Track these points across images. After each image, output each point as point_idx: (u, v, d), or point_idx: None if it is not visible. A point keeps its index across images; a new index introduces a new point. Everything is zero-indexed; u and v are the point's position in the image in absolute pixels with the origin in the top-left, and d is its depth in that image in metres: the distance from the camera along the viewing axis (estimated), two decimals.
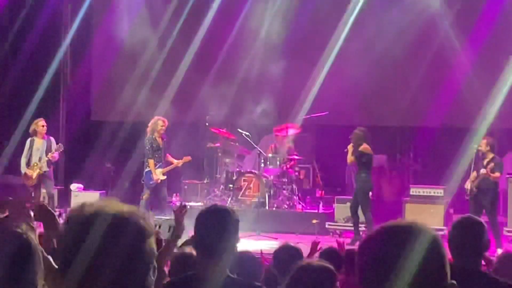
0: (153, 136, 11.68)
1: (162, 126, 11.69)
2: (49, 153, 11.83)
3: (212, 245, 2.92)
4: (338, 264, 5.31)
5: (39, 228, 5.17)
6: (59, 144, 12.09)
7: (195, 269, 3.21)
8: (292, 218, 12.48)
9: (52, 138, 12.16)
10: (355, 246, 7.97)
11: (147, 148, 11.69)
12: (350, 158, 11.23)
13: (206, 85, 15.06)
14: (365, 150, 11.08)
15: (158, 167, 11.68)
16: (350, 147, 11.20)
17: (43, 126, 11.98)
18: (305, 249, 5.17)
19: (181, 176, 13.44)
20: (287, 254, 4.43)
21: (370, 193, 11.44)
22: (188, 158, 12.15)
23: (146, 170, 11.74)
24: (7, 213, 4.78)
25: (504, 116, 12.88)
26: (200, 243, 2.97)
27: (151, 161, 11.64)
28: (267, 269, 5.23)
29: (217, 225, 2.94)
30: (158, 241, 6.30)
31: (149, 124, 11.76)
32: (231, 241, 2.96)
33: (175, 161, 12.00)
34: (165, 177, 11.73)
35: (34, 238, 2.53)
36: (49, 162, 11.90)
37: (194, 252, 4.78)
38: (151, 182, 11.67)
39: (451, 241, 3.81)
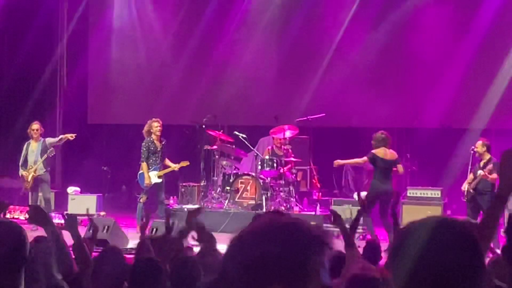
0: (151, 139, 11.66)
1: (157, 127, 11.65)
2: (44, 155, 11.83)
3: None
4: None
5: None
6: (51, 149, 12.03)
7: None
8: None
9: (47, 139, 12.14)
10: None
11: (142, 150, 11.68)
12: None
13: (203, 87, 15.06)
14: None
15: (154, 170, 11.66)
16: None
17: (37, 129, 11.99)
18: None
19: (178, 178, 13.41)
20: None
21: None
22: (186, 162, 12.12)
23: (140, 172, 11.74)
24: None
25: (501, 117, 12.89)
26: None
27: (144, 165, 11.62)
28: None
29: None
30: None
31: (145, 127, 11.74)
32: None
33: (172, 165, 11.99)
34: (160, 180, 11.69)
35: None
36: (46, 165, 11.89)
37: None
38: (144, 185, 11.68)
39: None
